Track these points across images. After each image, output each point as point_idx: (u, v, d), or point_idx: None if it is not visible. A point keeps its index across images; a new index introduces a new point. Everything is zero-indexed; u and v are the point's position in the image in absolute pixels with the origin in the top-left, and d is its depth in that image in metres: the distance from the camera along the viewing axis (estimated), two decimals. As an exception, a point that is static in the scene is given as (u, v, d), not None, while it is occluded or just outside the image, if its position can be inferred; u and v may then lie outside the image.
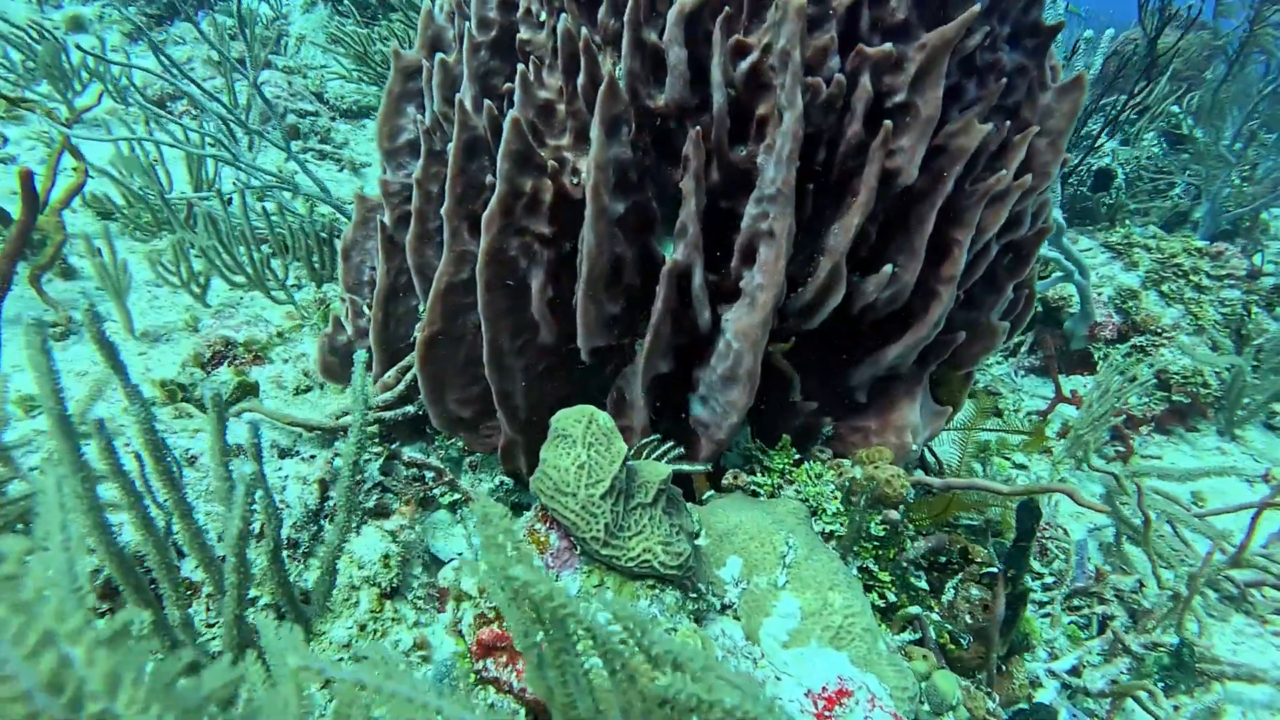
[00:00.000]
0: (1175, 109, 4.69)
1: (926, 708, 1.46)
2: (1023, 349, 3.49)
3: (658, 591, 1.25)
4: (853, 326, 1.69)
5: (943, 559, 1.77)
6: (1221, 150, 4.24)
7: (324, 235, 2.65)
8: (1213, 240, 4.06)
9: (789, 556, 1.44)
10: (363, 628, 1.53)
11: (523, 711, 1.16)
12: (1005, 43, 1.51)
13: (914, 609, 1.61)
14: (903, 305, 1.63)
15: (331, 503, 1.66)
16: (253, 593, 1.35)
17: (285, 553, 1.50)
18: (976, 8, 1.33)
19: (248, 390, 1.96)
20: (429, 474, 1.81)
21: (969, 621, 1.69)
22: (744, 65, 1.44)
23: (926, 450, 2.13)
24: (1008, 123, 1.52)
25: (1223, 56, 4.47)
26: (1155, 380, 3.06)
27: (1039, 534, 2.25)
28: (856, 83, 1.42)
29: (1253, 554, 2.22)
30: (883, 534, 1.59)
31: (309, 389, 2.07)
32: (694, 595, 1.31)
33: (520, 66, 1.49)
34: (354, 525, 0.99)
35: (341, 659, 1.49)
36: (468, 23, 1.59)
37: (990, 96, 1.48)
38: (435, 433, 1.89)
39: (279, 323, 2.35)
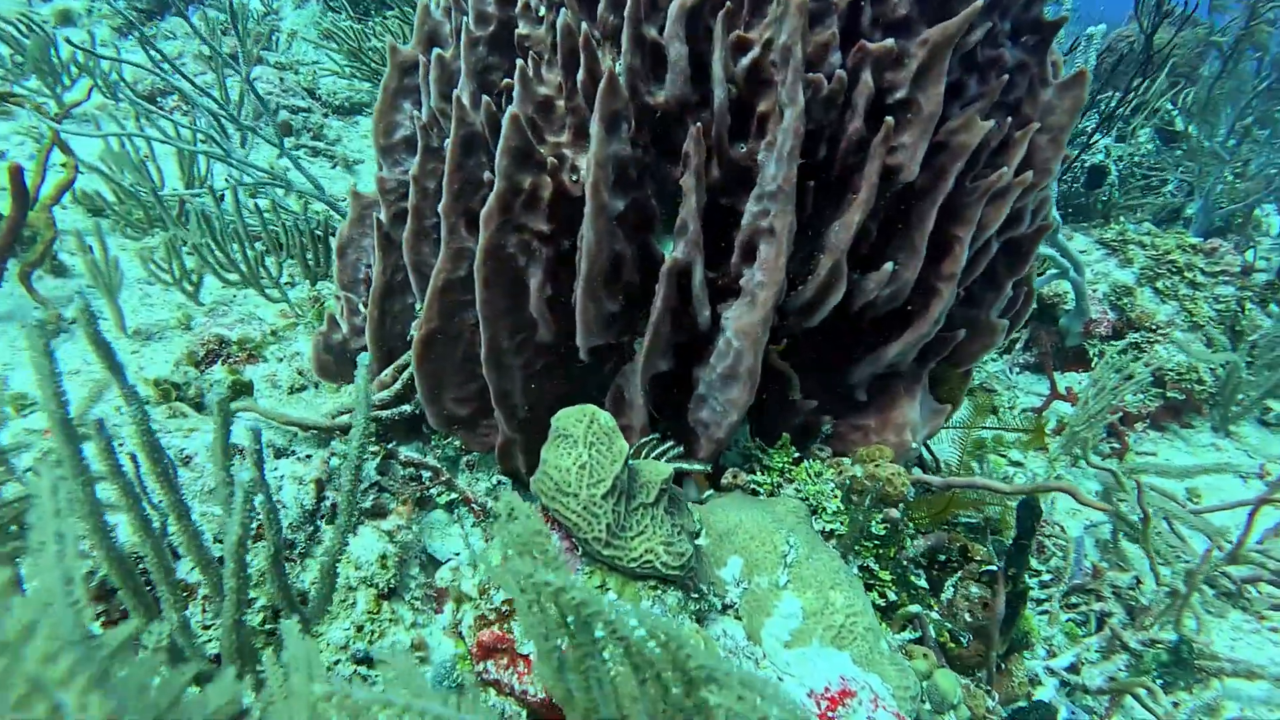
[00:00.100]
0: (1169, 105, 4.70)
1: (928, 707, 1.46)
2: (1018, 346, 3.49)
3: (659, 592, 1.24)
4: (853, 324, 1.68)
5: (942, 557, 1.77)
6: (1215, 147, 4.25)
7: (318, 233, 2.63)
8: (1206, 237, 4.07)
9: (790, 556, 1.43)
10: (360, 629, 1.52)
11: (525, 715, 1.15)
12: (1006, 39, 1.51)
13: (914, 608, 1.60)
14: (903, 303, 1.63)
15: (328, 502, 1.64)
16: (250, 593, 1.33)
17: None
18: (979, 3, 1.32)
19: (242, 389, 1.94)
20: (426, 473, 1.80)
21: (968, 620, 1.68)
22: (745, 61, 1.42)
23: (924, 448, 2.12)
24: (1009, 119, 1.52)
25: (1216, 53, 4.48)
26: (1150, 378, 3.07)
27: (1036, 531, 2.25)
28: (858, 79, 1.41)
29: (1248, 550, 2.22)
30: (883, 533, 1.59)
31: (304, 388, 2.05)
32: (695, 596, 1.30)
33: (519, 62, 1.48)
34: (352, 527, 0.98)
35: (338, 661, 1.48)
36: (465, 18, 1.58)
37: (992, 93, 1.48)
38: (432, 432, 1.87)
39: (273, 321, 2.33)
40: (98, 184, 2.92)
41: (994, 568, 1.71)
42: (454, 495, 1.81)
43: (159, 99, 3.91)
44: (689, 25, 1.42)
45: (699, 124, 1.42)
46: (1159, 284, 3.43)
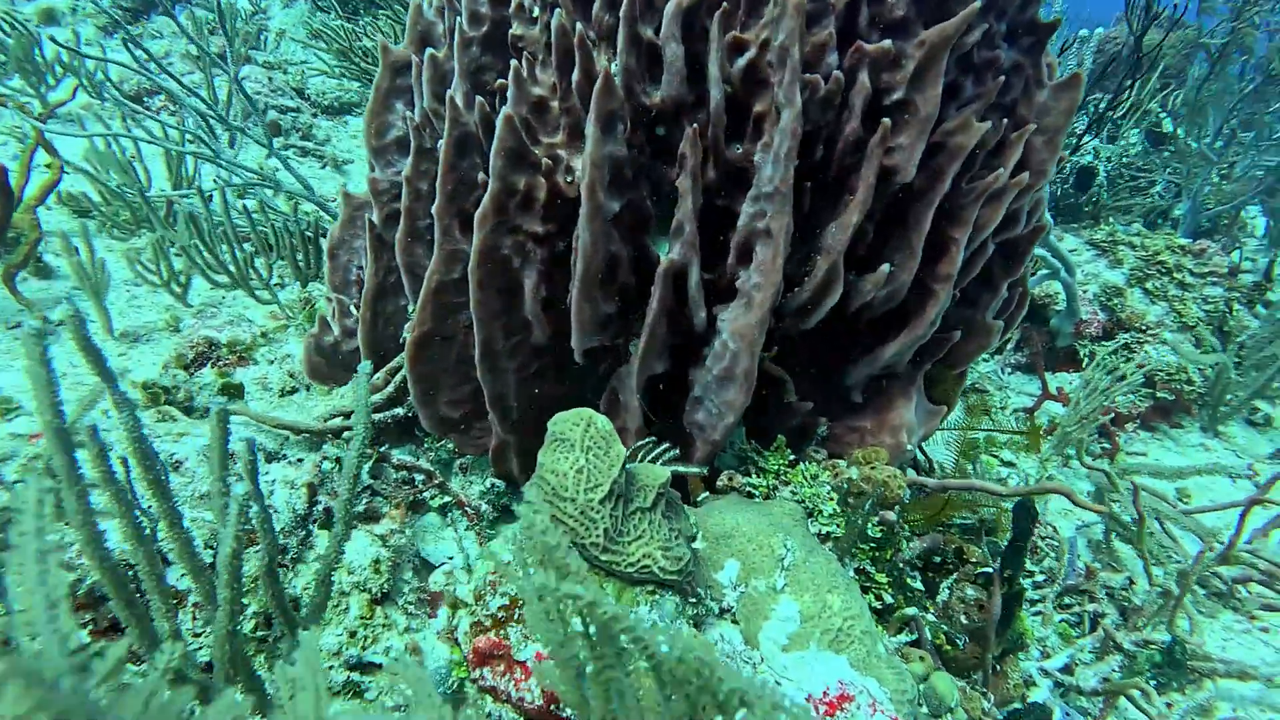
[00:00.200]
0: (1155, 106, 4.73)
1: (925, 710, 1.45)
2: (1009, 346, 3.50)
3: (657, 597, 1.23)
4: (849, 325, 1.68)
5: (937, 559, 1.77)
6: (1203, 148, 4.28)
7: (308, 234, 2.60)
8: (1194, 238, 4.10)
9: (787, 559, 1.42)
10: (353, 634, 1.50)
11: (522, 721, 1.14)
12: (1002, 40, 1.51)
13: (911, 610, 1.60)
14: (899, 304, 1.62)
15: (320, 506, 1.62)
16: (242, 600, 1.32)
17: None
18: (976, 4, 1.32)
19: (232, 392, 1.92)
20: (419, 477, 1.78)
21: (964, 622, 1.68)
22: (741, 62, 1.42)
23: (918, 450, 2.12)
24: (1004, 120, 1.51)
25: (1203, 55, 4.51)
26: (1142, 379, 3.08)
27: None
28: (855, 80, 1.41)
29: (1238, 550, 2.23)
30: (879, 535, 1.58)
31: (295, 390, 2.03)
32: (693, 600, 1.29)
33: (513, 62, 1.47)
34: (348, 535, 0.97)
35: (331, 667, 1.46)
36: (459, 17, 1.56)
37: (988, 94, 1.47)
38: (425, 435, 1.86)
39: (263, 323, 2.30)
40: (84, 185, 2.89)
41: (989, 569, 1.71)
42: (447, 498, 1.80)
43: (145, 99, 3.88)
44: (685, 25, 1.41)
45: (695, 125, 1.41)
46: (1149, 285, 3.44)
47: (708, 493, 1.71)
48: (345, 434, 1.77)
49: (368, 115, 1.79)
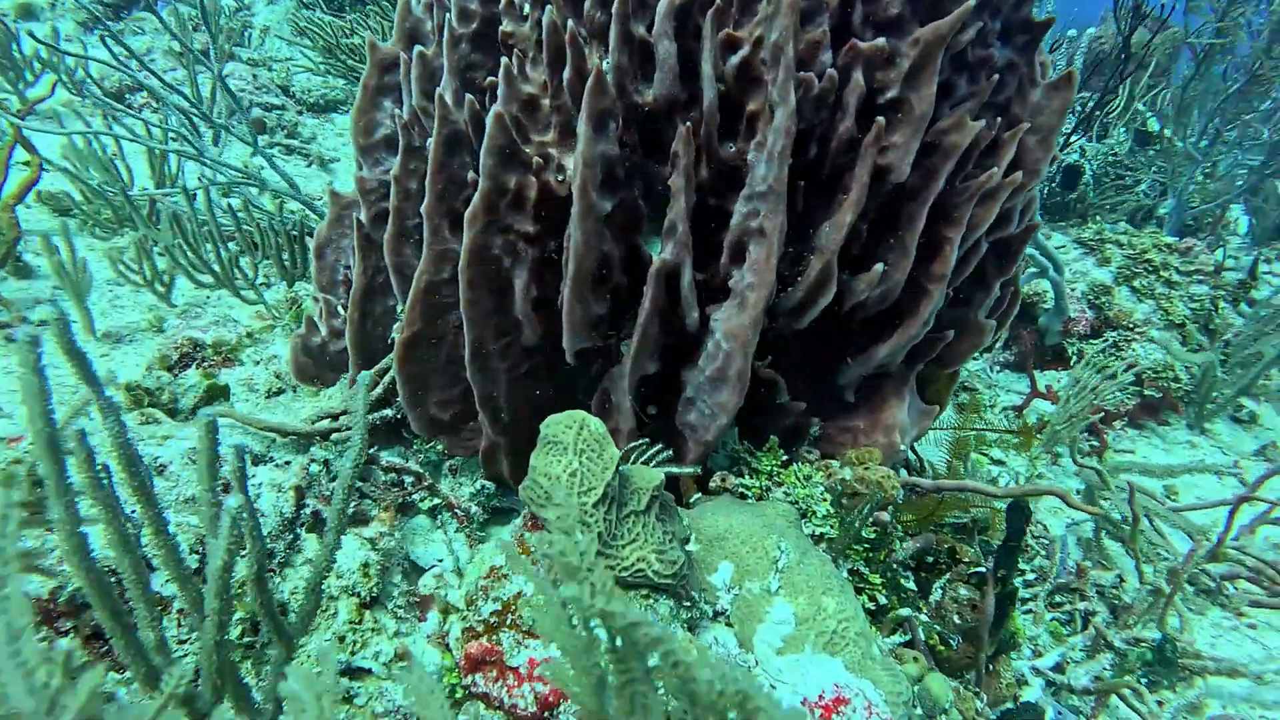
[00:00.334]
0: (1140, 106, 4.76)
1: (919, 712, 1.45)
2: (998, 344, 3.51)
3: (652, 601, 1.21)
4: (842, 325, 1.67)
5: (930, 559, 1.76)
6: (1188, 147, 4.31)
7: (294, 233, 2.57)
8: (1179, 236, 4.12)
9: (781, 561, 1.42)
10: (341, 639, 1.48)
11: (516, 729, 1.13)
12: (996, 38, 1.50)
13: (904, 611, 1.59)
14: (892, 303, 1.62)
15: (308, 509, 1.60)
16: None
17: (261, 564, 1.44)
18: (971, 2, 1.31)
19: (217, 394, 1.89)
20: (408, 479, 1.76)
21: (957, 622, 1.68)
22: (734, 60, 1.40)
23: (910, 449, 2.12)
24: (998, 119, 1.51)
25: (1188, 55, 4.54)
26: (1132, 379, 3.10)
27: (1019, 530, 2.25)
28: (849, 78, 1.40)
29: (1225, 547, 2.24)
30: (873, 536, 1.58)
31: (281, 391, 2.01)
32: (687, 604, 1.28)
33: (504, 60, 1.45)
34: (339, 542, 0.95)
35: (320, 673, 1.44)
36: (448, 14, 1.54)
37: (982, 93, 1.47)
38: (414, 436, 1.83)
39: (248, 323, 2.27)
40: (64, 183, 2.85)
41: (982, 569, 1.71)
42: (437, 501, 1.78)
43: (127, 96, 3.82)
44: (678, 23, 1.40)
45: (688, 123, 1.40)
46: (1136, 283, 3.46)
47: (700, 494, 1.69)
48: (333, 436, 1.74)
49: (355, 113, 1.76)
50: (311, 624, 1.02)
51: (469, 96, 1.49)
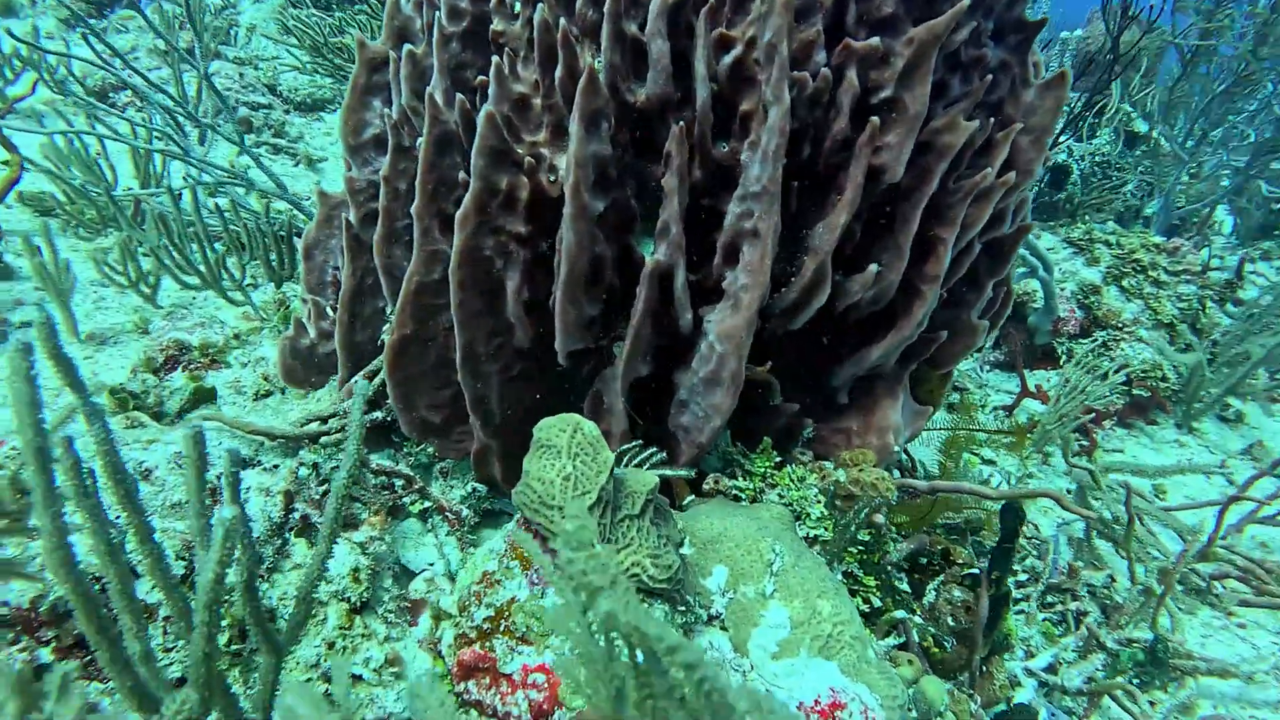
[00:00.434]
0: (1127, 107, 4.78)
1: (914, 715, 1.44)
2: (988, 344, 3.52)
3: (646, 606, 1.20)
4: (835, 326, 1.66)
5: (923, 560, 1.76)
6: (1175, 148, 4.33)
7: (282, 233, 2.55)
8: (1167, 236, 4.15)
9: (776, 564, 1.41)
10: (331, 645, 1.46)
11: (509, 737, 1.11)
12: (989, 38, 1.50)
13: (899, 613, 1.59)
14: (886, 304, 1.61)
15: (297, 514, 1.58)
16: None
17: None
18: (965, 2, 1.30)
19: (204, 397, 1.87)
20: (398, 482, 1.74)
21: (951, 624, 1.68)
22: (728, 59, 1.39)
23: (903, 450, 2.11)
24: (991, 119, 1.50)
25: (1174, 56, 4.57)
26: (1123, 379, 3.11)
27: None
28: (842, 77, 1.39)
29: (1215, 546, 2.25)
30: (867, 538, 1.57)
31: (269, 394, 1.98)
32: (682, 609, 1.26)
33: (495, 59, 1.43)
34: (331, 551, 0.93)
35: (310, 679, 1.42)
36: (438, 13, 1.53)
37: (976, 93, 1.46)
38: (404, 439, 1.82)
39: (235, 324, 2.25)
40: (46, 184, 2.81)
41: (975, 571, 1.70)
42: (428, 504, 1.76)
43: (110, 94, 3.78)
44: (671, 22, 1.38)
45: (681, 123, 1.38)
46: (1125, 282, 3.47)
47: (693, 496, 1.68)
48: (322, 439, 1.72)
49: (344, 113, 1.74)
50: (301, 633, 1.01)
51: (460, 96, 1.48)
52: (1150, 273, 3.47)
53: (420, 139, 1.49)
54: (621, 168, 1.47)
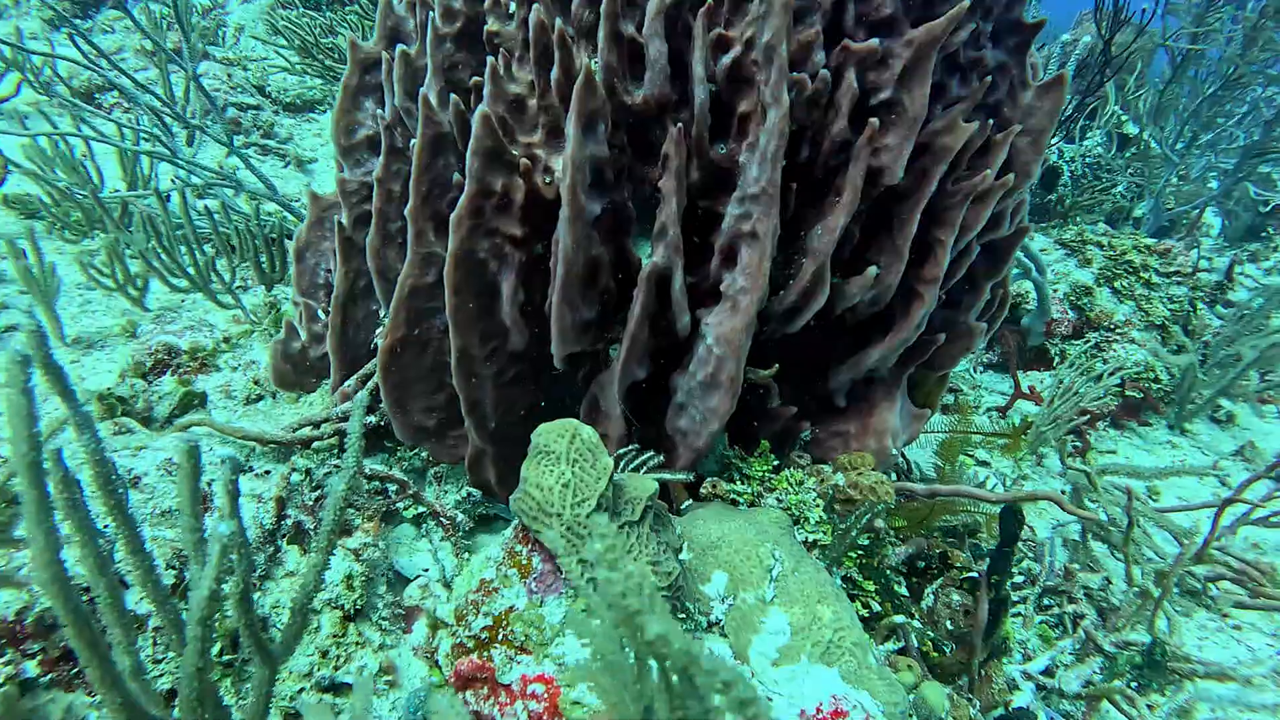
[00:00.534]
0: (1116, 109, 4.80)
1: (915, 720, 1.43)
2: (982, 345, 3.52)
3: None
4: (833, 328, 1.65)
5: (921, 564, 1.75)
6: (1164, 149, 4.35)
7: (272, 236, 2.52)
8: (1157, 237, 4.16)
9: (775, 570, 1.39)
10: (324, 654, 1.44)
11: (508, 748, 1.09)
12: (987, 40, 1.49)
13: (898, 618, 1.58)
14: (884, 306, 1.60)
15: (289, 521, 1.56)
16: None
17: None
18: (965, 3, 1.29)
19: (193, 402, 1.84)
20: (392, 487, 1.72)
21: (949, 628, 1.67)
22: (726, 60, 1.38)
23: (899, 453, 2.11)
24: (990, 121, 1.50)
25: (1164, 58, 4.59)
26: (1118, 381, 3.11)
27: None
28: (841, 79, 1.38)
29: (1210, 548, 2.25)
30: (866, 542, 1.56)
31: (260, 398, 1.96)
32: (681, 616, 1.25)
33: (490, 59, 1.42)
34: (327, 563, 0.91)
35: (303, 689, 1.40)
36: (431, 13, 1.51)
37: (974, 95, 1.45)
38: (397, 443, 1.79)
39: (225, 328, 2.22)
40: (31, 186, 2.77)
41: (974, 574, 1.69)
42: (422, 509, 1.74)
43: (96, 95, 3.74)
44: (668, 22, 1.37)
45: (679, 125, 1.37)
46: (1117, 284, 3.48)
47: (691, 500, 1.67)
48: (315, 444, 1.70)
49: (336, 113, 1.72)
50: (296, 645, 0.99)
51: (454, 97, 1.46)
52: (1142, 274, 3.48)
53: (414, 140, 1.47)
54: (618, 169, 1.46)
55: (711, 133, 1.45)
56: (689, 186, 1.46)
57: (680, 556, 1.34)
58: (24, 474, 0.62)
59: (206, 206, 2.59)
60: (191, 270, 2.34)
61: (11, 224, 2.69)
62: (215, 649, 1.32)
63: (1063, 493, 2.56)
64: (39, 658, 1.18)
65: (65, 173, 2.73)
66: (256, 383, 1.96)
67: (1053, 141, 4.10)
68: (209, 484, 1.48)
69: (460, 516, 1.74)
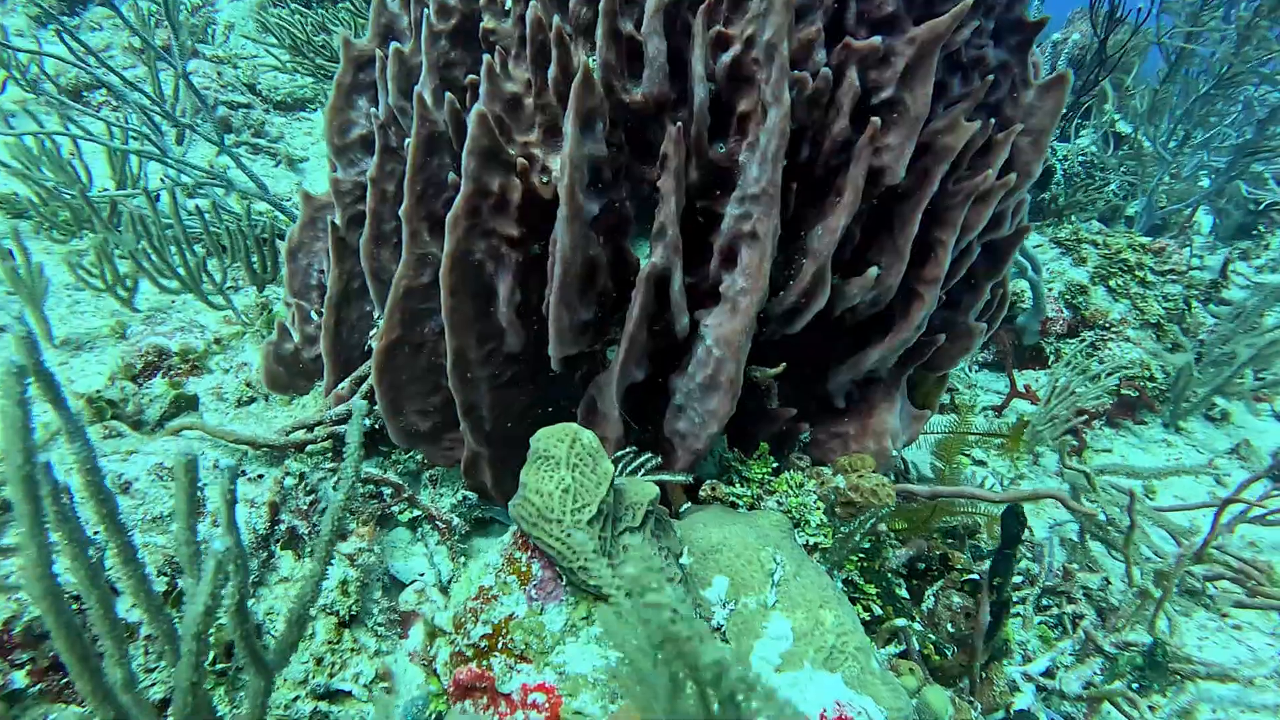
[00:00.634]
0: (1108, 108, 4.80)
1: (918, 724, 1.42)
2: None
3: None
4: (832, 329, 1.63)
5: (922, 566, 1.74)
6: (1157, 148, 4.35)
7: (263, 235, 2.49)
8: (1150, 235, 4.16)
9: (777, 574, 1.38)
10: (319, 661, 1.42)
11: (509, 759, 1.07)
12: (989, 38, 1.47)
13: (900, 621, 1.57)
14: (884, 307, 1.58)
15: (283, 526, 1.53)
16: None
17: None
18: (968, 1, 1.28)
19: (185, 404, 1.81)
20: (387, 490, 1.70)
21: (950, 630, 1.65)
22: (725, 58, 1.36)
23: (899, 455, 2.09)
24: (991, 121, 1.48)
25: (1157, 56, 4.59)
26: (1116, 382, 3.11)
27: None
28: (842, 77, 1.36)
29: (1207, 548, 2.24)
30: (868, 545, 1.54)
31: (252, 400, 1.93)
32: (684, 621, 1.23)
33: (486, 57, 1.39)
34: (325, 573, 0.89)
35: (297, 697, 1.38)
36: (426, 10, 1.48)
37: (976, 94, 1.44)
38: (392, 446, 1.77)
39: (216, 329, 2.19)
40: (18, 185, 2.73)
41: (975, 576, 1.68)
42: (417, 513, 1.72)
43: (84, 93, 3.69)
44: (667, 20, 1.35)
45: (679, 124, 1.35)
46: (1112, 282, 3.48)
47: (689, 503, 1.65)
48: (309, 448, 1.68)
49: (329, 112, 1.70)
50: (291, 656, 0.97)
51: (449, 95, 1.43)
52: (1137, 273, 3.48)
53: (408, 139, 1.44)
54: (616, 169, 1.44)
55: (711, 132, 1.43)
56: (688, 186, 1.44)
57: (681, 561, 1.33)
58: (18, 486, 0.60)
59: (197, 206, 2.55)
60: (182, 271, 2.31)
61: (-2, 224, 2.65)
62: (209, 656, 1.30)
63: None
64: (28, 668, 1.16)
65: (53, 172, 2.70)
66: (248, 385, 1.93)
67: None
68: (202, 488, 1.46)
69: (456, 520, 1.72)
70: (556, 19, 1.35)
